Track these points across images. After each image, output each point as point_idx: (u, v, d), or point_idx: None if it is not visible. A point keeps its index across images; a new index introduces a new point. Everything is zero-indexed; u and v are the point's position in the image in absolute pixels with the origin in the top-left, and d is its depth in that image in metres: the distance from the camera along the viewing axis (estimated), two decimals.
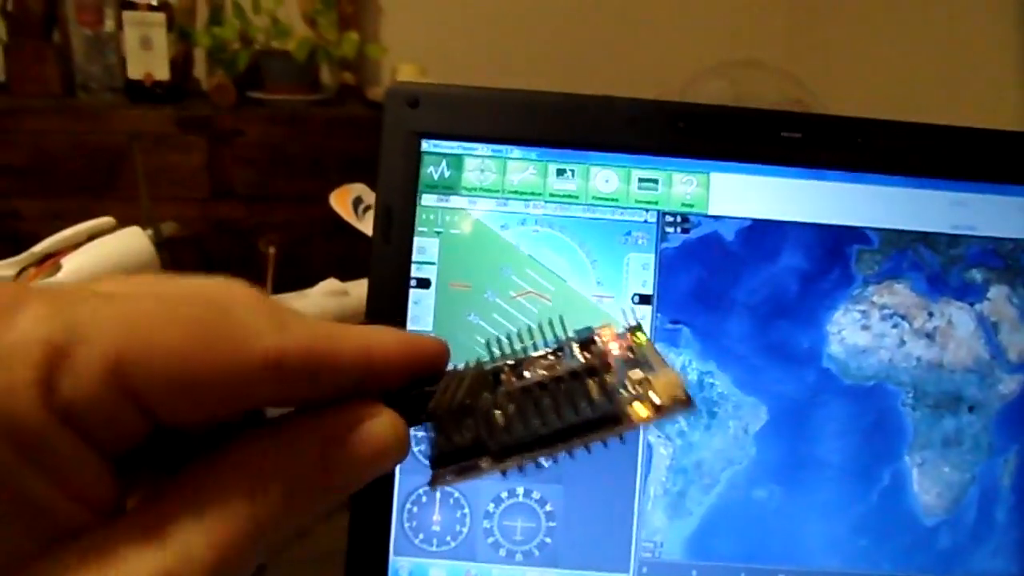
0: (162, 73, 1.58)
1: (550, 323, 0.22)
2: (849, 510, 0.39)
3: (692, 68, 1.59)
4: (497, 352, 0.21)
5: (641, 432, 0.38)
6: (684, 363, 0.38)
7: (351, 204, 0.98)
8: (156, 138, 1.56)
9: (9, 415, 0.14)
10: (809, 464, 0.39)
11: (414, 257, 0.38)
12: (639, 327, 0.22)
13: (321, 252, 1.21)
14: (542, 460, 0.18)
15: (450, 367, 0.21)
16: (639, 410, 0.19)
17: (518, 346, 0.21)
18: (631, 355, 0.21)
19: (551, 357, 0.21)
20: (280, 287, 0.86)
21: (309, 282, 0.90)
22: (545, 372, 0.20)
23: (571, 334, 0.22)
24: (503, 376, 0.20)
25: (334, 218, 0.91)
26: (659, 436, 0.39)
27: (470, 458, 0.18)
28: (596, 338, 0.21)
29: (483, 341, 0.21)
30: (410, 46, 1.90)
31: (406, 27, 1.97)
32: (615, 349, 0.21)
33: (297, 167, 1.59)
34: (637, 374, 0.20)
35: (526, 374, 0.20)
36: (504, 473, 0.18)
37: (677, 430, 0.39)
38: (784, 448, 0.39)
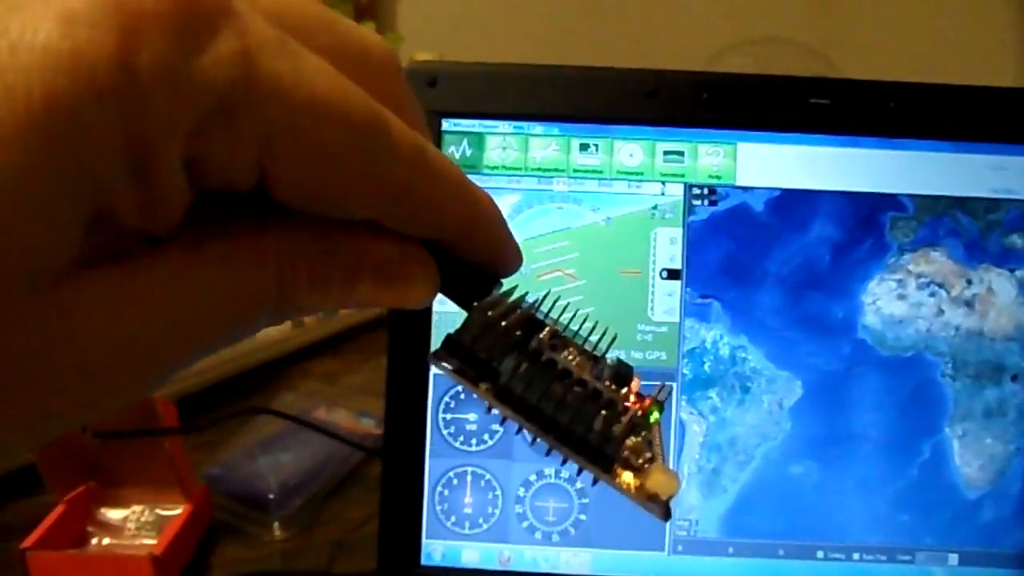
0: None
1: (603, 332, 0.21)
2: (889, 485, 0.38)
3: (715, 45, 1.57)
4: (548, 306, 0.21)
5: (673, 409, 0.38)
6: (715, 337, 0.38)
7: None
8: None
9: (149, 147, 0.13)
10: (846, 438, 0.38)
11: None
12: (661, 405, 0.22)
13: None
14: (526, 432, 0.18)
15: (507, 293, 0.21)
16: (627, 476, 0.18)
17: (563, 319, 0.21)
18: (637, 421, 0.20)
19: (586, 358, 0.20)
20: None
21: None
22: (576, 363, 0.19)
23: (610, 357, 0.21)
24: (542, 336, 0.20)
25: None
26: (692, 413, 0.38)
27: (478, 370, 0.18)
28: (630, 380, 0.21)
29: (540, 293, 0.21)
30: (427, 34, 1.89)
31: (423, 16, 1.96)
32: (634, 398, 0.21)
33: None
34: (633, 441, 0.19)
35: (561, 353, 0.20)
36: (488, 410, 0.18)
37: (710, 406, 0.38)
38: (820, 422, 0.38)
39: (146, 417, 0.47)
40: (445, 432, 0.38)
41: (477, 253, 0.19)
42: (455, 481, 0.38)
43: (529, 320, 0.20)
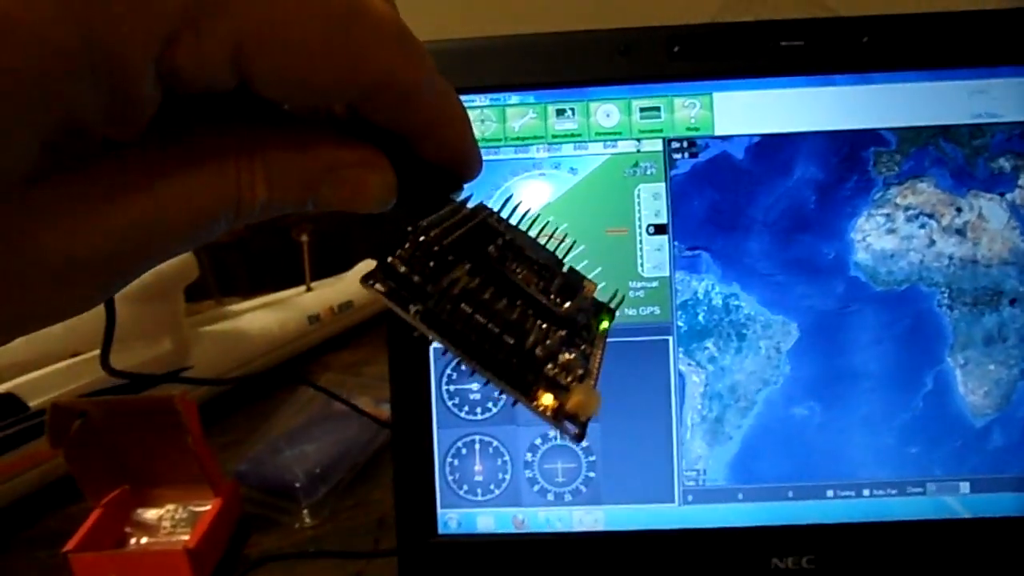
0: None
1: (562, 238, 0.22)
2: (894, 419, 0.38)
3: (713, 6, 1.55)
4: (508, 215, 0.21)
5: (671, 361, 0.38)
6: (707, 288, 0.38)
7: None
8: None
9: (118, 59, 0.14)
10: (847, 376, 0.38)
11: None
12: (611, 313, 0.22)
13: (358, 238, 1.23)
14: (451, 356, 0.18)
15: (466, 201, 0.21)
16: (545, 399, 0.18)
17: (526, 227, 0.21)
18: (583, 330, 0.20)
19: (537, 267, 0.20)
20: (320, 273, 0.88)
21: (348, 267, 0.91)
22: (521, 276, 0.20)
23: (565, 268, 0.21)
24: (491, 247, 0.20)
25: None
26: (690, 364, 0.38)
27: (409, 291, 0.18)
28: (581, 287, 0.21)
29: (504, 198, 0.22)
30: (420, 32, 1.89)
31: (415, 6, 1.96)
32: (581, 308, 0.21)
33: None
34: (569, 356, 0.19)
35: (510, 265, 0.20)
36: (415, 332, 0.18)
37: (708, 356, 0.38)
38: (819, 363, 0.38)
39: (172, 422, 0.48)
40: (450, 403, 0.39)
41: (443, 149, 0.19)
42: (464, 450, 0.39)
43: (482, 230, 0.20)
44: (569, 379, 0.18)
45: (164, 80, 0.15)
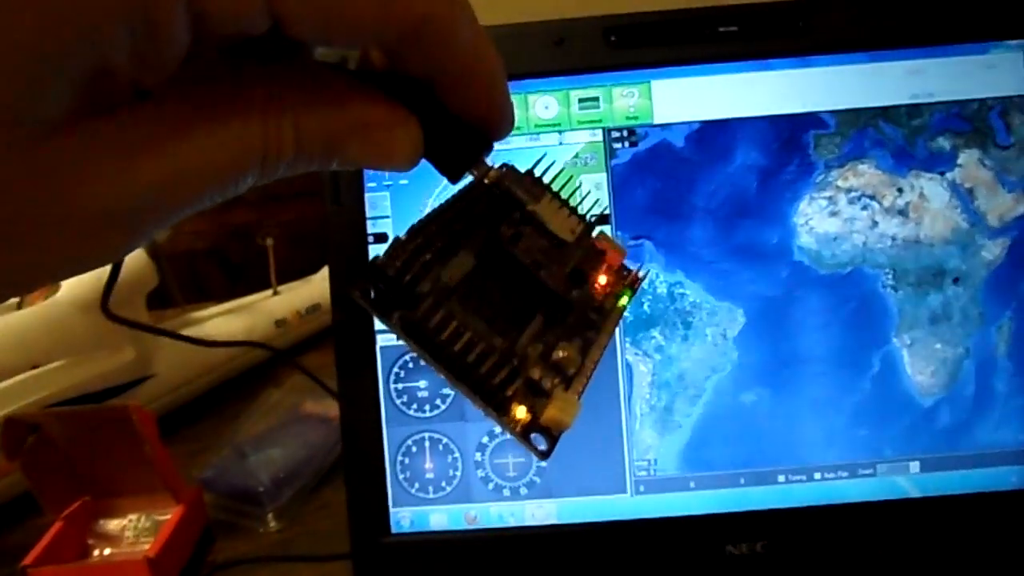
0: None
1: (595, 202, 0.22)
2: (843, 401, 0.39)
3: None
4: (537, 171, 0.21)
5: (618, 352, 0.38)
6: (651, 277, 0.38)
7: None
8: None
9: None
10: (795, 361, 0.38)
11: (368, 214, 0.38)
12: (634, 287, 0.22)
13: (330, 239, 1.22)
14: (425, 365, 0.18)
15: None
16: (518, 412, 0.18)
17: (555, 188, 0.21)
18: (593, 317, 0.20)
19: (555, 243, 0.20)
20: (289, 276, 0.88)
21: (316, 269, 0.91)
22: (529, 259, 0.19)
23: (595, 232, 0.21)
24: (504, 225, 0.20)
25: None
26: (637, 354, 0.38)
27: (395, 295, 0.18)
28: (595, 266, 0.21)
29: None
30: None
31: None
32: (599, 282, 0.21)
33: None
34: (569, 350, 0.19)
35: (519, 242, 0.20)
36: (397, 339, 0.18)
37: (654, 345, 0.38)
38: (766, 348, 0.38)
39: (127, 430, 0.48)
40: (398, 401, 0.39)
41: (476, 103, 0.19)
42: (414, 448, 0.39)
43: (498, 204, 0.20)
44: (554, 382, 0.18)
45: (195, 20, 0.15)
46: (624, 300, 0.21)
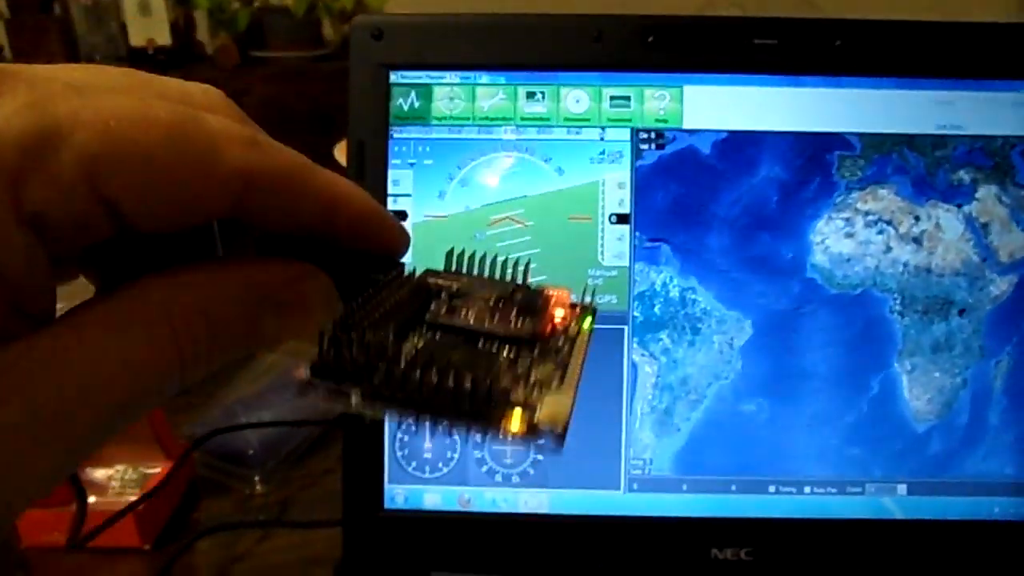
0: (163, 38, 1.58)
1: (515, 263, 0.21)
2: (839, 419, 0.39)
3: None
4: (454, 268, 0.21)
5: (625, 351, 0.39)
6: (665, 280, 0.38)
7: None
8: None
9: None
10: (796, 375, 0.39)
11: (389, 190, 0.38)
12: (591, 313, 0.21)
13: None
14: (404, 419, 0.18)
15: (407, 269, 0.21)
16: (513, 423, 0.17)
17: (475, 270, 0.21)
18: (560, 344, 0.20)
19: (492, 302, 0.20)
20: None
21: None
22: (473, 320, 0.19)
23: (525, 284, 0.21)
24: (434, 304, 0.20)
25: (342, 171, 0.92)
26: (644, 355, 0.39)
27: (346, 381, 0.17)
28: (544, 302, 0.20)
29: (444, 252, 0.21)
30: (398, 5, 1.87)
31: None
32: (557, 318, 0.20)
33: (303, 122, 1.59)
34: (545, 370, 0.18)
35: (458, 313, 0.20)
36: (367, 418, 0.18)
37: (661, 347, 0.39)
38: (770, 361, 0.39)
39: None
40: None
41: (357, 231, 0.19)
42: (415, 427, 0.39)
43: (423, 290, 0.20)
44: (539, 395, 0.17)
45: (33, 226, 0.14)
46: (588, 322, 0.21)
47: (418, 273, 0.21)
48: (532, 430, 0.17)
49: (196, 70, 1.64)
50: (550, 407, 0.17)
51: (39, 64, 0.16)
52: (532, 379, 0.18)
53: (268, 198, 0.17)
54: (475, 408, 0.17)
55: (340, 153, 0.99)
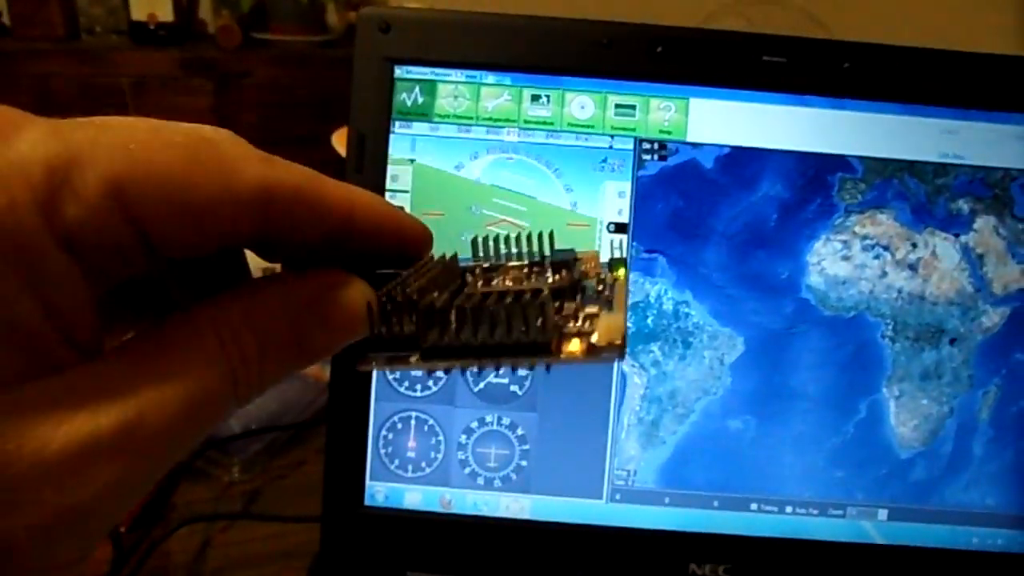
0: (166, 14, 1.56)
1: (539, 236, 0.21)
2: (824, 441, 0.39)
3: (708, 7, 1.55)
4: (481, 253, 0.21)
5: (616, 362, 0.38)
6: (660, 292, 0.38)
7: None
8: (161, 80, 1.55)
9: (10, 236, 0.13)
10: (785, 395, 0.39)
11: (388, 185, 0.38)
12: (623, 262, 0.22)
13: None
14: (468, 369, 0.18)
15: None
16: (572, 346, 0.18)
17: (503, 250, 0.21)
18: (600, 288, 0.20)
19: (526, 270, 0.21)
20: None
21: None
22: (511, 283, 0.20)
23: (553, 252, 0.21)
24: (470, 277, 0.20)
25: (340, 159, 0.91)
26: (633, 366, 0.39)
27: (403, 349, 0.18)
28: (575, 262, 0.21)
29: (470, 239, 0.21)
30: None
31: None
32: (590, 276, 0.21)
33: (304, 108, 1.58)
34: (592, 309, 0.19)
35: (493, 282, 0.20)
36: (429, 372, 0.18)
37: (652, 360, 0.39)
38: (760, 379, 0.39)
39: None
40: (390, 376, 0.39)
41: (381, 236, 0.19)
42: (399, 425, 0.39)
43: (450, 271, 0.20)
44: (591, 324, 0.18)
45: (68, 249, 0.14)
46: (621, 271, 0.21)
47: (442, 257, 0.21)
48: (592, 350, 0.18)
49: (197, 47, 1.63)
50: (605, 326, 0.18)
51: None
52: (581, 314, 0.19)
53: (290, 210, 0.17)
54: (532, 342, 0.17)
55: (337, 141, 0.99)
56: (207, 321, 0.16)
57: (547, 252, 0.21)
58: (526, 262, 0.21)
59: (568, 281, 0.20)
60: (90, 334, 0.15)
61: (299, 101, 1.59)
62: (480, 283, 0.20)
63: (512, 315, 0.18)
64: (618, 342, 0.18)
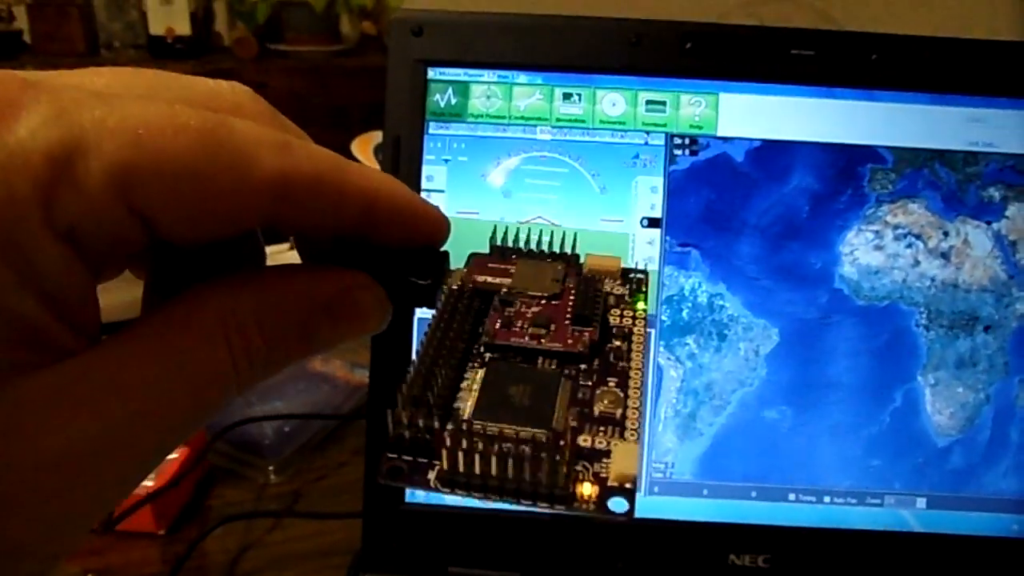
0: (183, 28, 1.58)
1: (563, 237, 0.22)
2: (861, 430, 0.39)
3: (720, 6, 1.55)
4: (499, 241, 0.22)
5: (651, 355, 0.39)
6: (694, 285, 0.39)
7: (372, 152, 0.99)
8: None
9: (6, 230, 0.13)
10: (820, 385, 0.39)
11: (423, 185, 0.39)
12: (645, 283, 0.21)
13: None
14: (486, 500, 0.18)
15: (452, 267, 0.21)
16: (584, 490, 0.17)
17: (523, 243, 0.22)
18: (620, 337, 0.20)
19: (543, 301, 0.20)
20: None
21: None
22: (527, 337, 0.19)
23: (575, 257, 0.21)
24: (487, 321, 0.20)
25: None
26: (669, 359, 0.39)
27: (424, 455, 0.17)
28: (594, 299, 0.20)
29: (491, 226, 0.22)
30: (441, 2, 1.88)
31: None
32: (612, 319, 0.20)
33: (320, 118, 1.59)
34: (609, 398, 0.18)
35: (512, 328, 0.20)
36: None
37: (687, 352, 0.39)
38: (795, 369, 0.39)
39: None
40: None
41: (400, 225, 0.18)
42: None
43: (474, 302, 0.20)
44: (607, 437, 0.17)
45: (68, 240, 0.14)
46: (641, 304, 0.21)
47: (464, 264, 0.21)
48: (604, 496, 0.17)
49: (214, 60, 1.65)
50: (617, 466, 0.17)
51: (63, 69, 0.16)
52: (595, 414, 0.18)
53: (304, 203, 0.16)
54: (550, 493, 0.17)
55: (357, 149, 0.99)
56: (215, 313, 0.16)
57: (565, 250, 0.22)
58: (545, 293, 0.20)
59: (585, 344, 0.19)
60: (87, 313, 0.15)
61: (315, 110, 1.60)
62: (499, 325, 0.20)
63: (531, 463, 0.17)
64: (629, 486, 0.17)
